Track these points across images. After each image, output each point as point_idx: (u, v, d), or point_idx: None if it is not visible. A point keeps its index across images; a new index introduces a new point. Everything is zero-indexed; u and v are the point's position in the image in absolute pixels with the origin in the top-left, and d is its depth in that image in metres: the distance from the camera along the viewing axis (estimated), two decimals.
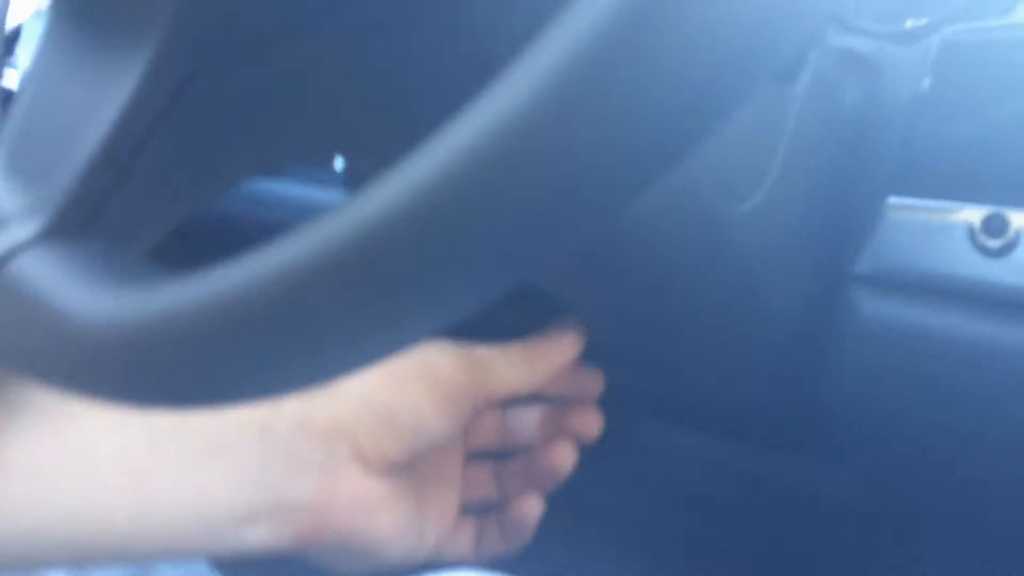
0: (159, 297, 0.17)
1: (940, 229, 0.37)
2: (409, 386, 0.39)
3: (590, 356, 0.41)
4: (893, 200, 0.39)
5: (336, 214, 0.15)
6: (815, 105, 0.37)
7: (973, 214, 0.36)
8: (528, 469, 0.44)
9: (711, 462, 0.57)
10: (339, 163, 0.62)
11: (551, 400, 0.44)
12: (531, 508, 0.43)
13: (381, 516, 0.40)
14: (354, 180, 0.52)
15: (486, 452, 0.46)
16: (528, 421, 0.45)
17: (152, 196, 0.21)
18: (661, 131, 0.15)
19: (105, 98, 0.20)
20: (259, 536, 0.37)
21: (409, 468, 0.41)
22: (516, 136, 0.14)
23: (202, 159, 0.24)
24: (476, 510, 0.45)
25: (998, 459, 0.37)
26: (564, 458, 0.43)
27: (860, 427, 0.40)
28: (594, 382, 0.44)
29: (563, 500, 0.72)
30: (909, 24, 0.52)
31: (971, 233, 0.36)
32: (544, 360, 0.40)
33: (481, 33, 0.22)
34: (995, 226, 0.36)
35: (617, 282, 0.36)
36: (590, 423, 0.43)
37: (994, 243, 0.36)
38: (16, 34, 0.84)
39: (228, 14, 0.20)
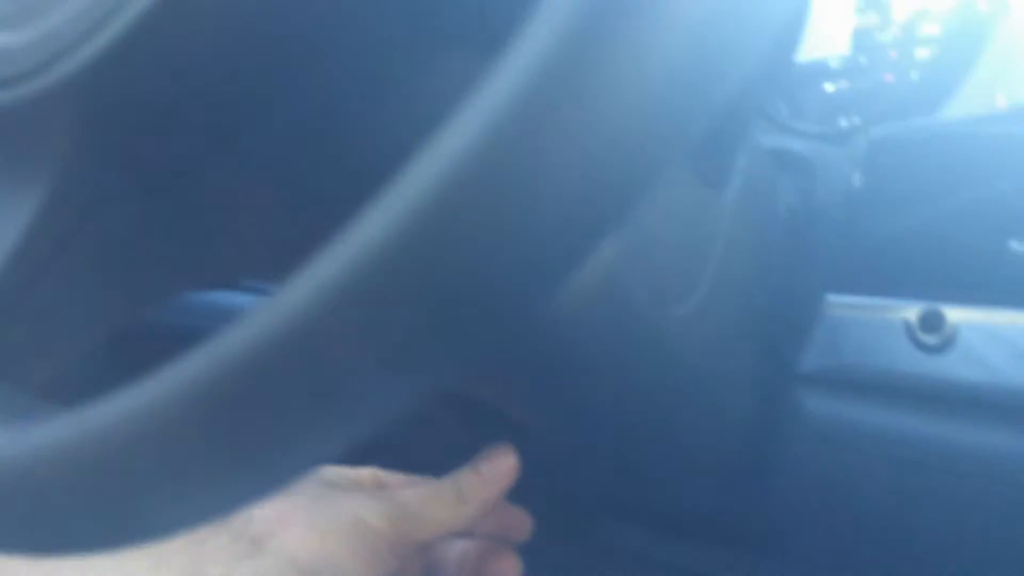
0: (19, 440, 0.16)
1: (879, 326, 0.37)
2: (337, 545, 0.38)
3: (538, 463, 0.41)
4: (832, 298, 0.39)
5: (193, 356, 0.15)
6: (749, 208, 0.38)
7: (910, 311, 0.37)
8: None
9: (665, 565, 0.55)
10: None
11: (478, 537, 0.43)
12: None
13: None
14: None
15: None
16: (449, 562, 0.44)
17: (44, 332, 0.21)
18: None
19: None
20: None
21: None
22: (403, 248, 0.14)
23: (99, 293, 0.24)
24: None
25: (945, 553, 0.36)
26: (511, 567, 0.41)
27: (809, 526, 0.40)
28: (522, 523, 0.43)
29: None
30: (844, 124, 0.53)
31: (909, 330, 0.36)
32: (475, 495, 0.40)
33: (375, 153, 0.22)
34: (931, 323, 0.36)
35: (555, 389, 0.35)
36: (509, 569, 0.42)
37: (932, 339, 0.36)
38: None
39: (126, 150, 0.20)
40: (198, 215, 0.23)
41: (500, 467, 0.40)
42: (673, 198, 0.34)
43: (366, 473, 0.42)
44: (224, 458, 0.15)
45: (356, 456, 0.45)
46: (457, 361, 0.16)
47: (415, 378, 0.15)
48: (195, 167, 0.21)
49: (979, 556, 0.35)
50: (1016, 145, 0.39)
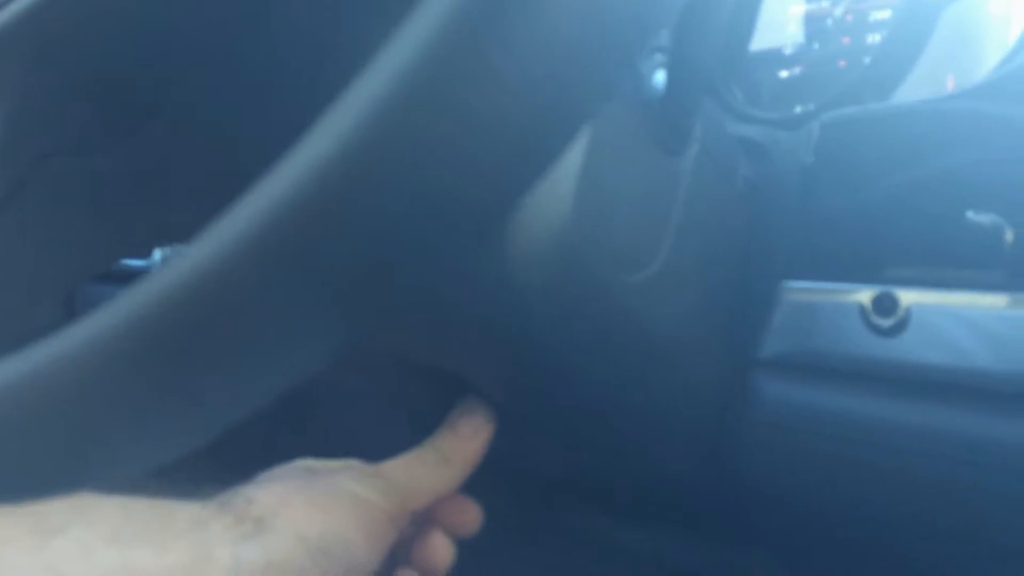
0: None
1: (834, 310, 0.38)
2: (341, 519, 0.38)
3: (503, 439, 0.40)
4: (788, 284, 0.39)
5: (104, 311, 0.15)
6: (707, 176, 0.38)
7: (864, 295, 0.37)
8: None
9: (633, 551, 0.56)
10: None
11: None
12: None
13: None
14: None
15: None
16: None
17: None
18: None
19: None
20: None
21: None
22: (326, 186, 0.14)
23: (47, 247, 0.23)
24: None
25: (904, 533, 0.37)
26: (440, 550, 0.41)
27: (771, 508, 0.40)
28: (471, 515, 0.43)
29: None
30: (798, 110, 0.54)
31: (863, 313, 0.37)
32: (457, 454, 0.40)
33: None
34: (885, 306, 0.36)
35: (515, 359, 0.35)
36: (468, 514, 0.42)
37: (885, 322, 0.36)
38: None
39: (72, 100, 0.20)
40: (143, 172, 0.23)
41: (476, 422, 0.40)
42: (630, 164, 0.34)
43: (343, 463, 0.42)
44: (160, 396, 0.15)
45: (324, 445, 0.45)
46: (381, 308, 0.16)
47: (340, 320, 0.16)
48: (137, 121, 0.21)
49: (938, 535, 0.36)
50: (969, 119, 0.40)
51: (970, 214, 0.38)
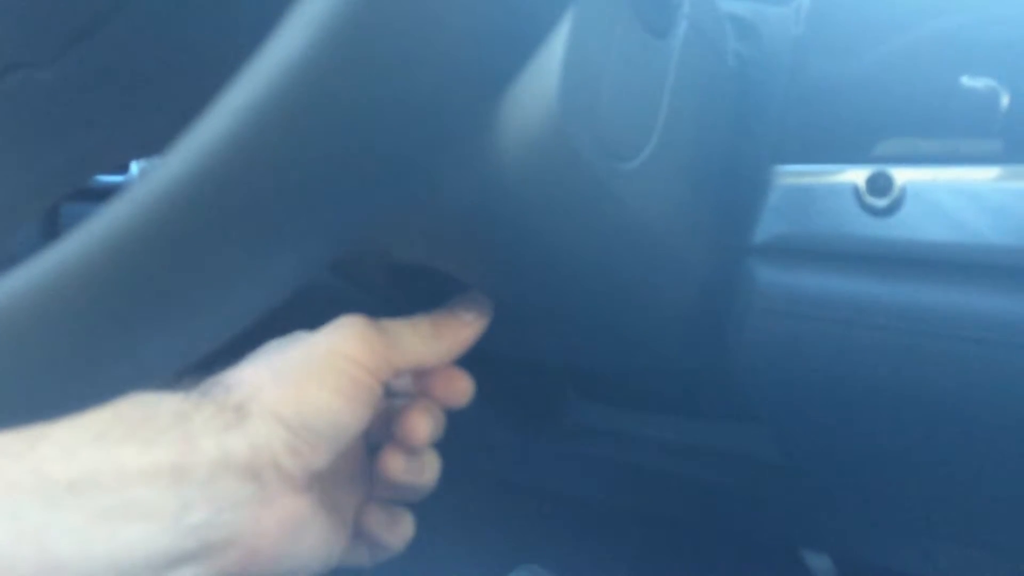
0: None
1: (827, 192, 0.37)
2: (317, 386, 0.37)
3: (496, 332, 0.40)
4: (780, 168, 0.38)
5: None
6: (696, 56, 0.37)
7: (858, 174, 0.36)
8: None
9: (636, 436, 0.57)
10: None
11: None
12: (394, 463, 0.42)
13: (307, 535, 0.39)
14: None
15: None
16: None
17: None
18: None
19: None
20: None
21: (325, 472, 0.40)
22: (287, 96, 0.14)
23: (13, 165, 0.23)
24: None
25: (903, 411, 0.37)
26: (420, 422, 0.41)
27: (770, 391, 0.41)
28: (465, 386, 0.43)
29: (500, 486, 0.71)
30: None
31: (857, 194, 0.36)
32: (451, 332, 0.39)
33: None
34: (880, 185, 0.36)
35: (507, 251, 0.34)
36: (459, 384, 0.42)
37: (880, 202, 0.36)
38: None
39: (31, 10, 0.19)
40: (109, 81, 0.22)
41: (475, 309, 0.40)
42: (616, 47, 0.32)
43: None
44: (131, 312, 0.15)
45: None
46: (368, 212, 0.16)
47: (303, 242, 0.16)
48: (103, 22, 0.20)
49: (939, 413, 0.36)
50: None
51: (965, 79, 0.37)
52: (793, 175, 0.38)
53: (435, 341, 0.39)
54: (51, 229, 0.66)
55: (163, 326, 0.16)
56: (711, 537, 0.72)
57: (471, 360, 0.40)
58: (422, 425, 0.41)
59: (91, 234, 0.15)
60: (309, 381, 0.37)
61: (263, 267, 0.16)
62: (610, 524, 0.74)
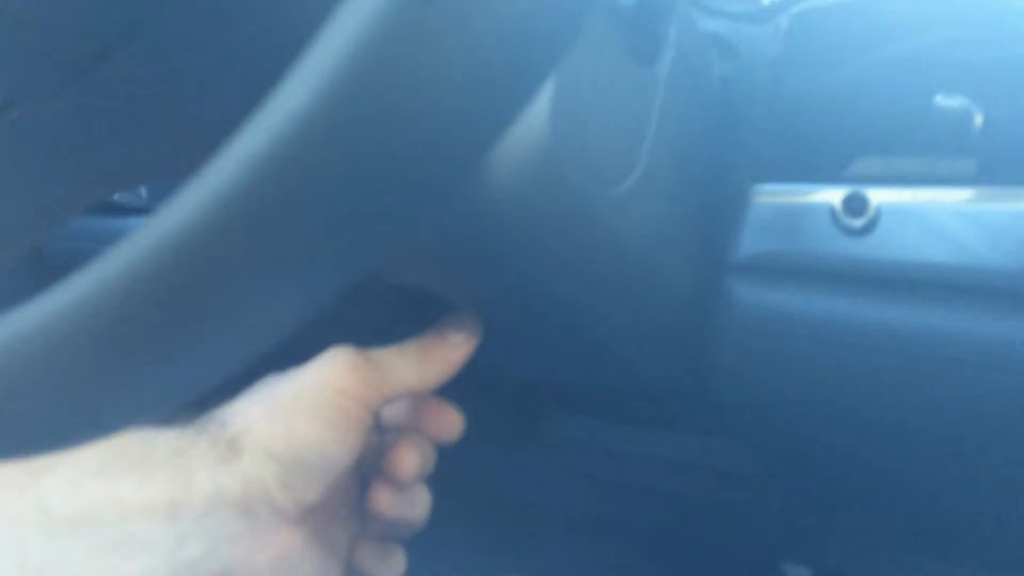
0: None
1: (804, 212, 0.38)
2: (306, 419, 0.37)
3: (482, 350, 0.41)
4: (759, 187, 0.39)
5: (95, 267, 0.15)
6: (681, 85, 0.37)
7: (834, 195, 0.37)
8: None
9: (618, 451, 0.57)
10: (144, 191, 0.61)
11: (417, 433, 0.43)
12: (384, 500, 0.42)
13: (301, 569, 0.39)
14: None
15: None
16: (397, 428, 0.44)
17: None
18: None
19: None
20: None
21: (318, 506, 0.40)
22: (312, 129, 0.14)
23: (22, 192, 0.23)
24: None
25: (876, 430, 0.38)
26: (408, 457, 0.41)
27: (748, 407, 0.41)
28: (455, 420, 0.43)
29: (483, 498, 0.71)
30: (767, 1, 0.52)
31: (833, 214, 0.37)
32: (440, 356, 0.40)
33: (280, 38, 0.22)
34: (855, 205, 0.36)
35: (495, 273, 0.35)
36: (449, 419, 0.42)
37: (856, 222, 0.36)
38: None
39: (36, 43, 0.19)
40: (117, 108, 0.22)
41: (463, 331, 0.40)
42: (605, 76, 0.33)
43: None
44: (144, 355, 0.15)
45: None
46: (375, 248, 0.17)
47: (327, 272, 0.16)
48: (108, 53, 0.20)
49: (910, 432, 0.37)
50: (936, 1, 0.39)
51: (939, 98, 0.37)
52: (771, 194, 0.39)
53: (425, 366, 0.39)
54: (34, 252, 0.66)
55: (163, 364, 0.17)
56: (693, 550, 0.72)
57: (455, 375, 0.41)
58: (410, 460, 0.41)
59: (102, 273, 0.15)
60: (299, 415, 0.37)
61: (266, 308, 0.16)
62: (592, 537, 0.75)
